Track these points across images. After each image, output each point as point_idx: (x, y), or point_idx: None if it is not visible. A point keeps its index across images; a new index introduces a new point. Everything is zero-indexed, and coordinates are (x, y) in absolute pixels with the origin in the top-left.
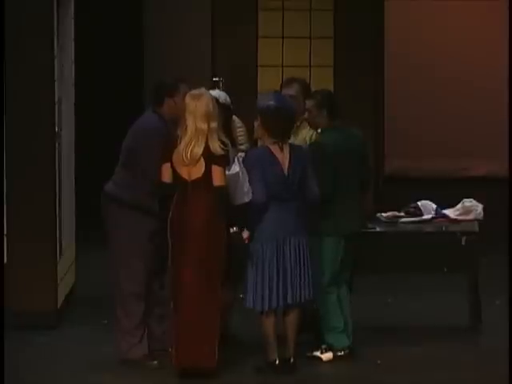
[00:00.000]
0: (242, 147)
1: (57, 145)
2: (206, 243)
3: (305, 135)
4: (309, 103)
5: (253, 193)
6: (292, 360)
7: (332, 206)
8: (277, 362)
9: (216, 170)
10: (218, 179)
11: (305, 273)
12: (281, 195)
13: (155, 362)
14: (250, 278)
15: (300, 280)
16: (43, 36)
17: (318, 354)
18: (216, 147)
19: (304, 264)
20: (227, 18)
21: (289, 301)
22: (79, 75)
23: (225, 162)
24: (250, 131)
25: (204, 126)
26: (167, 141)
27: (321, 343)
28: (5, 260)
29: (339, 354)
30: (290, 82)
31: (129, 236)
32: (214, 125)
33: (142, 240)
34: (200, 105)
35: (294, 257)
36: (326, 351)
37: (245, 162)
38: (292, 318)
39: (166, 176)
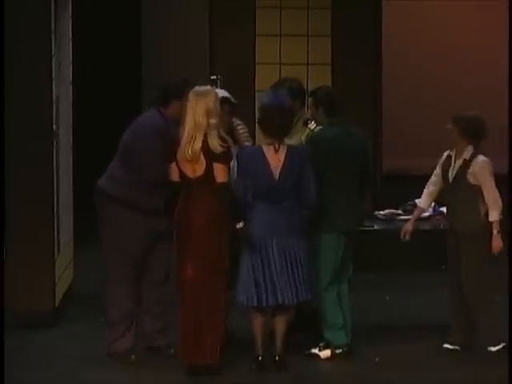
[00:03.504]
0: (247, 144)
1: (55, 143)
2: (209, 240)
3: (300, 135)
4: (309, 100)
5: (236, 190)
6: (278, 358)
7: (330, 203)
8: (260, 357)
9: (217, 168)
10: (219, 176)
11: (294, 274)
12: (269, 197)
13: (132, 357)
14: (241, 274)
15: (289, 281)
16: (41, 35)
17: (315, 351)
18: (215, 144)
19: (293, 265)
20: (225, 16)
21: (279, 301)
22: (77, 74)
23: (226, 158)
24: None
25: (203, 121)
26: (167, 140)
27: (319, 341)
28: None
29: (338, 351)
30: (280, 85)
31: (116, 231)
32: (213, 121)
33: (129, 235)
34: (201, 101)
35: (278, 258)
36: (324, 348)
37: (236, 160)
38: (280, 317)
39: (175, 175)
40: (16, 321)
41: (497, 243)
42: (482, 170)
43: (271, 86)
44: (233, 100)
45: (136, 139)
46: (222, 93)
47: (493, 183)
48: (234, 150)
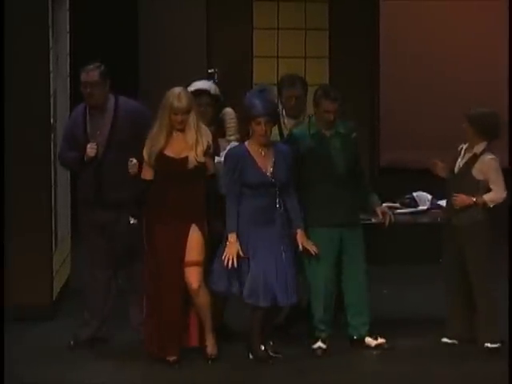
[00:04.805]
0: (232, 138)
1: (52, 136)
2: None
3: None
4: (332, 104)
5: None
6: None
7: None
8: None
9: None
10: None
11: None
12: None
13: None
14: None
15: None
16: (39, 28)
17: (374, 340)
18: None
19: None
20: (222, 9)
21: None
22: (74, 67)
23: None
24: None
25: None
26: (74, 127)
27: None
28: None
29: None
30: (293, 82)
31: (80, 228)
32: None
33: (87, 232)
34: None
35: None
36: (378, 337)
37: (225, 160)
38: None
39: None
40: (14, 314)
41: (463, 198)
42: (491, 167)
43: (279, 81)
44: (213, 92)
45: None
46: (200, 84)
47: (502, 180)
48: (222, 144)
